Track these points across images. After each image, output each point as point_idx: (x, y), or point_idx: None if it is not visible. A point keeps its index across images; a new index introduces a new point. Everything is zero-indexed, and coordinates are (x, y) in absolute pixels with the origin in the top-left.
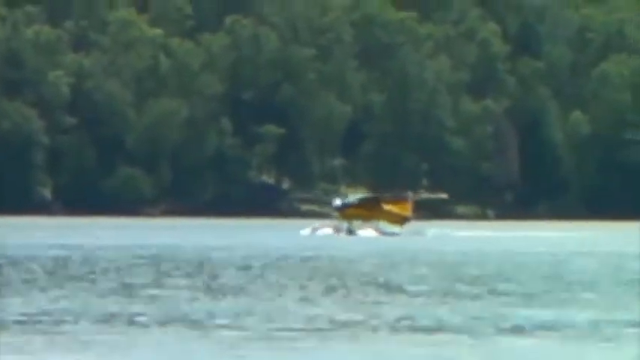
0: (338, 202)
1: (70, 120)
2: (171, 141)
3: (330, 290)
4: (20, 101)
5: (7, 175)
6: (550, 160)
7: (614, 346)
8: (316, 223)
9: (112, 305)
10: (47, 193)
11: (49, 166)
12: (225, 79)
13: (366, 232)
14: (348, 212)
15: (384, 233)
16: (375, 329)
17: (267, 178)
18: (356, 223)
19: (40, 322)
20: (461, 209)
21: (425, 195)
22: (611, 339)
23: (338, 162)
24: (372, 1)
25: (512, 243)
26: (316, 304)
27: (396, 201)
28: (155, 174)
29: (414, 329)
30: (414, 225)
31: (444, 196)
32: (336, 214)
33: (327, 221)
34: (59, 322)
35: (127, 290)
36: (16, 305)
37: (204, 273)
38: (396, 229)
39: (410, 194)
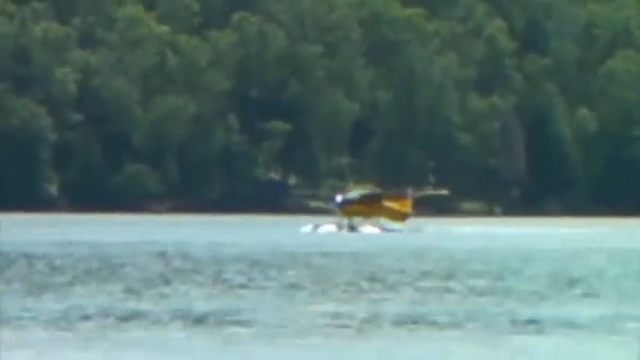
0: (339, 198)
1: (77, 117)
2: (178, 138)
3: (336, 287)
4: (28, 98)
5: (14, 171)
6: (557, 157)
7: (623, 341)
8: (317, 219)
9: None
10: (54, 189)
11: (56, 162)
12: (233, 76)
13: (368, 228)
14: (348, 209)
15: (385, 230)
16: (380, 325)
17: (274, 175)
18: (356, 219)
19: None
20: (468, 205)
21: (426, 192)
22: (620, 334)
23: (345, 159)
24: None
25: (516, 239)
26: (327, 300)
27: (396, 198)
28: (162, 171)
29: (421, 325)
30: (413, 222)
31: (445, 192)
32: (337, 210)
33: (328, 218)
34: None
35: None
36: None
37: (213, 270)
38: (396, 225)
39: (410, 191)
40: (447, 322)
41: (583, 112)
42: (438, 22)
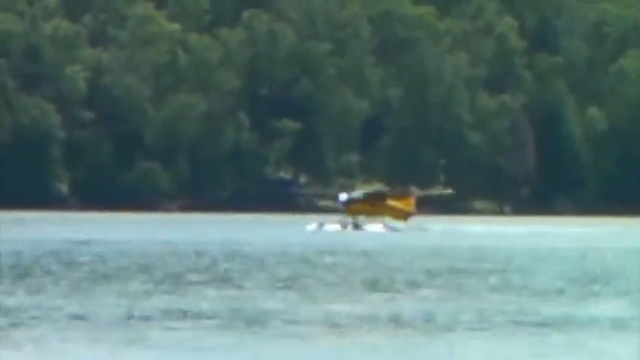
0: (343, 197)
1: (88, 115)
2: (189, 136)
3: (343, 285)
4: (38, 96)
5: (25, 169)
6: (567, 155)
7: (636, 341)
8: (322, 218)
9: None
10: (64, 187)
11: (67, 160)
12: (243, 74)
13: (373, 227)
14: (353, 207)
15: (390, 228)
16: (387, 325)
17: (285, 174)
18: (360, 218)
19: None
20: (478, 204)
21: (430, 191)
22: (632, 333)
23: (355, 157)
24: None
25: (522, 238)
26: (335, 299)
27: (399, 196)
28: (172, 169)
29: (430, 325)
30: (417, 220)
31: (449, 191)
32: (342, 208)
33: (332, 217)
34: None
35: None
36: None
37: (221, 267)
38: (399, 224)
39: (414, 189)
40: (457, 321)
41: (593, 110)
42: (448, 21)
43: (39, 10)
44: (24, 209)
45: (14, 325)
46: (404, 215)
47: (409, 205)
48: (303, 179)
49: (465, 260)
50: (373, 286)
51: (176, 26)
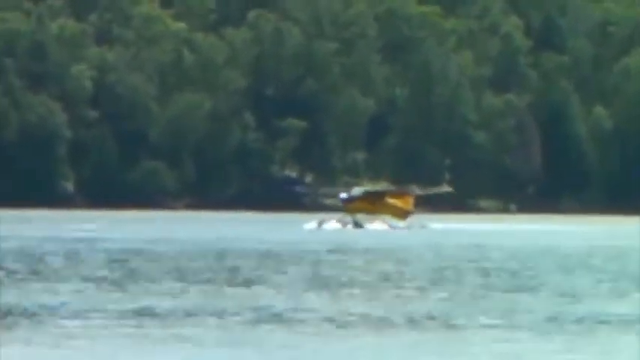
0: (344, 195)
1: (93, 114)
2: (194, 135)
3: (349, 284)
4: (44, 95)
5: (31, 168)
6: (573, 154)
7: None
8: (322, 216)
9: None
10: (70, 186)
11: (72, 159)
12: (249, 74)
13: (374, 225)
14: (353, 205)
15: (392, 227)
16: (394, 323)
17: (290, 172)
18: (360, 216)
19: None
20: (483, 203)
21: (430, 190)
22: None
23: (361, 156)
24: None
25: (526, 236)
26: (342, 298)
27: (398, 195)
28: (178, 168)
29: (438, 324)
30: (416, 219)
31: (449, 190)
32: (342, 206)
33: (332, 215)
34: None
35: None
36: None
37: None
38: (399, 222)
39: (413, 188)
40: (470, 320)
41: (599, 109)
42: (454, 20)
43: (45, 10)
44: (30, 207)
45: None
46: (402, 214)
47: (407, 203)
48: (308, 178)
49: (458, 258)
50: (378, 285)
51: (182, 25)
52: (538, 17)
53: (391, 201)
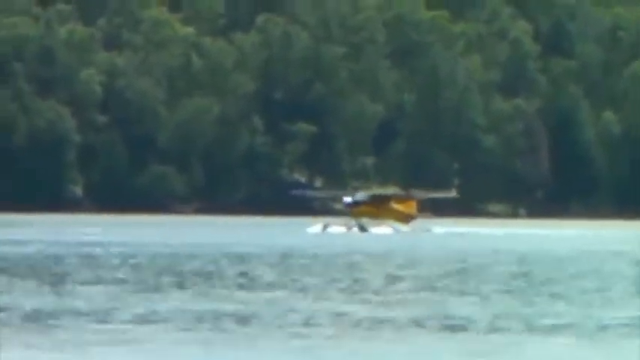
0: (348, 199)
1: (102, 118)
2: (203, 139)
3: (355, 287)
4: (53, 99)
5: (40, 172)
6: (582, 159)
7: None
8: (327, 220)
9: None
10: (78, 190)
11: (81, 163)
12: (257, 78)
13: (380, 229)
14: (357, 210)
15: (396, 231)
16: (402, 326)
17: (299, 177)
18: (364, 220)
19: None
20: (492, 207)
21: (434, 194)
22: None
23: (369, 160)
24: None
25: (532, 241)
26: (348, 301)
27: (401, 199)
28: (187, 172)
29: (444, 327)
30: (420, 223)
31: (453, 194)
32: (347, 210)
33: (336, 219)
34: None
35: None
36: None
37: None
38: (402, 227)
39: (417, 192)
40: (471, 323)
41: (608, 114)
42: (463, 24)
43: (53, 14)
44: (38, 212)
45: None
46: (405, 218)
47: (411, 207)
48: (318, 182)
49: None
50: (383, 287)
51: (190, 30)
52: (547, 22)
53: (395, 205)
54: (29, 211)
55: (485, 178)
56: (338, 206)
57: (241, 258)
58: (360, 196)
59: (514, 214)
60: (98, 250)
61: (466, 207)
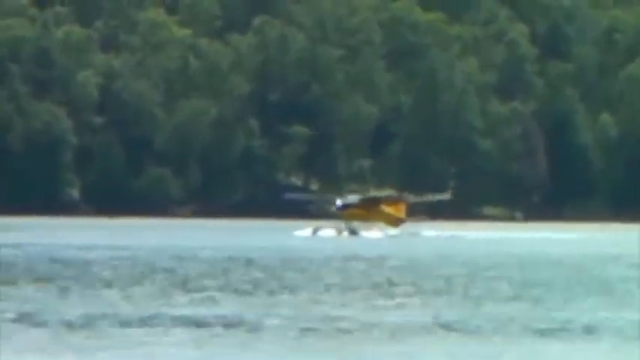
0: (339, 202)
1: (99, 120)
2: (200, 141)
3: (353, 291)
4: (49, 101)
5: (36, 174)
6: (578, 162)
7: None
8: (317, 223)
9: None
10: (75, 193)
11: (78, 165)
12: (254, 80)
13: (370, 233)
14: (348, 213)
15: (387, 234)
16: (399, 330)
17: (296, 179)
18: (355, 224)
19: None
20: (489, 210)
21: (426, 197)
22: None
23: (366, 163)
24: (400, 2)
25: (525, 244)
26: (346, 306)
27: (391, 202)
28: (183, 174)
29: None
30: (409, 226)
31: (446, 196)
32: (339, 214)
33: (327, 222)
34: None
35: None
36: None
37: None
38: (391, 230)
39: (407, 196)
40: (471, 327)
41: (604, 117)
42: (459, 27)
43: (50, 16)
44: (35, 214)
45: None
46: (395, 221)
47: (400, 211)
48: (314, 185)
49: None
50: (382, 292)
51: (187, 32)
52: (543, 24)
53: (385, 208)
54: (25, 214)
55: (481, 181)
56: (333, 209)
57: (234, 261)
58: (351, 199)
59: (510, 218)
60: (94, 254)
61: (462, 210)
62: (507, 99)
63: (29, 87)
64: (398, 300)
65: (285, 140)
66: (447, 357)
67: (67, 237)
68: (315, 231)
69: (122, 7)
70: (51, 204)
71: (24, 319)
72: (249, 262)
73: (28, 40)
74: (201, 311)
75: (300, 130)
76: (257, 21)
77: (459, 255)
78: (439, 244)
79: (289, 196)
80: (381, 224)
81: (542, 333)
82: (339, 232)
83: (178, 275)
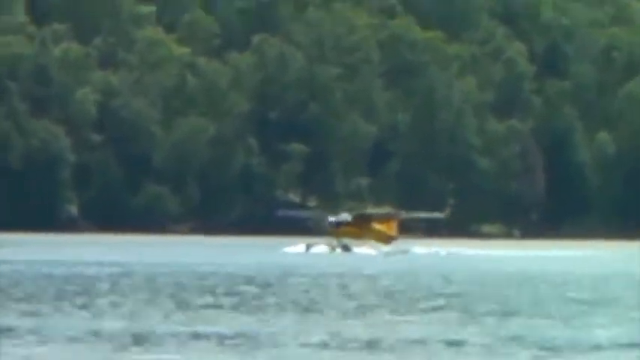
0: (332, 219)
1: (97, 137)
2: (198, 159)
3: (351, 308)
4: (48, 119)
5: (34, 191)
6: (576, 180)
7: None
8: (310, 240)
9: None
10: (74, 210)
11: (76, 183)
12: (252, 98)
13: (362, 249)
14: (340, 230)
15: (379, 251)
16: (394, 347)
17: (294, 197)
18: (347, 241)
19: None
20: (487, 228)
21: (419, 214)
22: None
23: (364, 181)
24: (398, 20)
25: (519, 262)
26: (343, 322)
27: (383, 220)
28: (182, 192)
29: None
30: (400, 244)
31: (440, 215)
32: (332, 231)
33: (319, 239)
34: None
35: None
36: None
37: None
38: (382, 247)
39: (400, 213)
40: (466, 345)
41: (602, 135)
42: (457, 45)
43: (48, 33)
44: (33, 231)
45: None
46: (386, 238)
47: (391, 228)
48: (312, 203)
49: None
50: (378, 308)
51: (185, 50)
52: (541, 42)
53: (376, 226)
54: (23, 231)
55: (480, 199)
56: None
57: (233, 277)
58: (344, 216)
59: (508, 235)
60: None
61: (460, 227)
62: (505, 117)
63: (27, 104)
64: (395, 317)
65: (284, 158)
66: None
67: (66, 253)
68: (308, 247)
69: (120, 25)
70: (50, 221)
71: (19, 334)
72: (246, 279)
73: (26, 57)
74: (199, 328)
75: (298, 147)
76: (256, 39)
77: (453, 272)
78: (427, 262)
79: (283, 212)
80: (372, 241)
81: (545, 350)
82: (332, 248)
83: (176, 291)
